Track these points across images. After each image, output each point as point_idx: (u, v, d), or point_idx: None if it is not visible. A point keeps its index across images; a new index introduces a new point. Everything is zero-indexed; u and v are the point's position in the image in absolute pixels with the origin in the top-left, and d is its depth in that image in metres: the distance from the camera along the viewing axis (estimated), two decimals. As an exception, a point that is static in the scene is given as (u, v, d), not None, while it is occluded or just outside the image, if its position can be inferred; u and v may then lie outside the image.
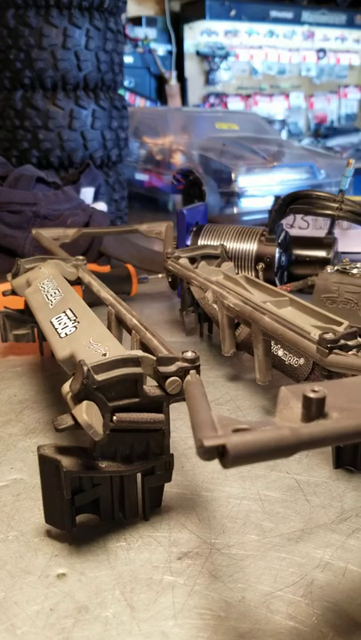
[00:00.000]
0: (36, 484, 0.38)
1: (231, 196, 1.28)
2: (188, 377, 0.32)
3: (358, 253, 0.85)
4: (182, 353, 0.33)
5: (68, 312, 0.42)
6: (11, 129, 1.13)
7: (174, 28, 2.89)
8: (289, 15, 3.11)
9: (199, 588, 0.29)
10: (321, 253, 0.79)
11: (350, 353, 0.36)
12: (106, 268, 0.80)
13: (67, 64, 1.10)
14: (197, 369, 0.32)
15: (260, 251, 0.73)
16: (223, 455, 0.19)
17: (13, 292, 0.54)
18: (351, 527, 0.33)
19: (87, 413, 0.29)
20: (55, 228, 0.77)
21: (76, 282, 0.56)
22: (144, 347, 0.38)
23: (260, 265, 0.72)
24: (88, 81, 1.14)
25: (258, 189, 1.30)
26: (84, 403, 0.30)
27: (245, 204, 1.28)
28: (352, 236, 0.87)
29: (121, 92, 1.45)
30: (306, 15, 3.16)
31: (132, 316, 0.43)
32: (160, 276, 0.81)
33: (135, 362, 0.31)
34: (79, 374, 0.30)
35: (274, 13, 3.07)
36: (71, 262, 0.57)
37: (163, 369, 0.32)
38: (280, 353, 0.47)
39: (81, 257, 0.59)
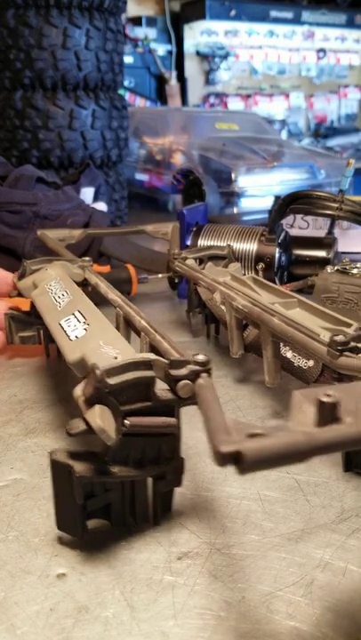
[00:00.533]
0: (36, 483, 0.38)
1: (231, 196, 1.28)
2: (200, 380, 0.31)
3: (358, 253, 0.85)
4: (193, 356, 0.32)
5: (77, 314, 0.42)
6: (11, 129, 1.12)
7: (174, 27, 2.89)
8: (289, 15, 3.11)
9: (199, 588, 0.29)
10: (321, 253, 0.79)
11: None
12: (106, 268, 0.80)
13: (67, 64, 1.10)
14: (209, 372, 0.32)
15: (261, 251, 0.73)
16: (239, 461, 0.19)
17: (19, 294, 0.54)
18: (351, 527, 0.33)
19: (101, 418, 0.29)
20: (60, 228, 0.77)
21: (83, 283, 0.56)
22: (153, 349, 0.38)
23: (260, 265, 0.72)
24: (88, 81, 1.14)
25: (258, 189, 1.30)
26: (97, 407, 0.29)
27: (245, 203, 1.28)
28: (352, 235, 0.87)
29: (121, 91, 1.45)
30: (306, 15, 3.15)
31: (141, 317, 0.42)
32: (160, 275, 0.81)
33: (147, 365, 0.31)
34: (92, 378, 0.29)
35: (274, 13, 3.06)
36: (77, 263, 0.57)
37: (174, 372, 0.32)
38: (289, 355, 0.46)
39: (87, 258, 0.59)
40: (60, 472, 0.30)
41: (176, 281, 0.66)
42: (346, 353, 0.35)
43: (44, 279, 0.52)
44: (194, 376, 0.32)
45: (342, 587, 0.29)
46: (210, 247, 0.66)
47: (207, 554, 0.31)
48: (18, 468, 0.40)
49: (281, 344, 0.45)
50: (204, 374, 0.32)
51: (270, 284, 0.51)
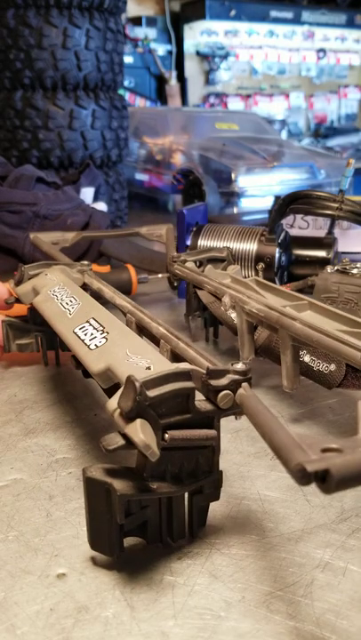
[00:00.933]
0: (36, 484, 0.38)
1: (231, 196, 1.28)
2: (242, 390, 0.30)
3: (358, 253, 0.85)
4: (231, 365, 0.31)
5: (93, 322, 0.40)
6: (11, 129, 1.13)
7: (174, 27, 2.89)
8: (289, 15, 3.11)
9: (199, 588, 0.29)
10: (321, 253, 0.79)
11: None
12: (106, 268, 0.80)
13: (67, 64, 1.10)
14: (249, 381, 0.31)
15: (261, 251, 0.73)
16: (324, 480, 0.18)
17: (17, 301, 0.52)
18: (351, 527, 0.33)
19: (143, 433, 0.27)
20: (54, 231, 0.76)
21: (82, 288, 0.53)
22: (177, 357, 0.36)
23: (260, 265, 0.72)
24: (88, 81, 1.14)
25: (258, 189, 1.30)
26: (138, 421, 0.27)
27: (245, 203, 1.28)
28: (352, 235, 0.87)
29: (121, 91, 1.45)
30: (306, 15, 3.16)
31: (159, 324, 0.40)
32: (160, 275, 0.81)
33: (187, 376, 0.29)
34: (130, 390, 0.27)
35: (274, 13, 3.07)
36: (76, 268, 0.55)
37: (214, 382, 0.30)
38: (306, 359, 0.46)
39: (86, 262, 0.56)
40: (95, 490, 0.28)
41: (175, 284, 0.66)
42: None
43: (46, 285, 0.50)
44: (235, 386, 0.30)
45: (342, 586, 0.29)
46: (209, 249, 0.65)
47: (207, 554, 0.31)
48: (18, 467, 0.40)
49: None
50: (244, 384, 0.30)
51: (273, 285, 0.51)
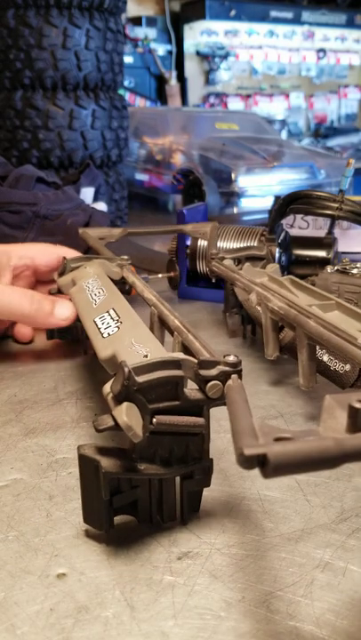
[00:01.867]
0: (36, 484, 0.38)
1: (231, 196, 1.28)
2: (230, 381, 0.31)
3: (358, 253, 0.85)
4: (224, 357, 0.32)
5: (112, 312, 0.42)
6: (11, 129, 1.13)
7: (174, 27, 2.89)
8: (289, 15, 3.11)
9: (199, 588, 0.29)
10: (321, 253, 0.79)
11: None
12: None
13: (67, 64, 1.10)
14: (239, 373, 0.32)
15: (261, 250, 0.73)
16: (264, 465, 0.18)
17: (59, 291, 0.55)
18: (351, 527, 0.33)
19: (127, 415, 0.29)
20: (101, 227, 0.77)
21: (121, 281, 0.56)
22: (186, 349, 0.38)
23: (261, 265, 0.72)
24: (88, 81, 1.14)
25: (258, 189, 1.30)
26: (125, 404, 0.29)
27: (245, 203, 1.28)
28: (352, 235, 0.87)
29: (121, 91, 1.45)
30: (306, 15, 3.16)
31: (175, 317, 0.43)
32: (160, 275, 0.81)
33: (176, 364, 0.31)
34: (120, 375, 0.29)
35: (274, 13, 3.07)
36: (116, 262, 0.58)
37: (204, 372, 0.32)
38: (325, 358, 0.46)
39: (125, 256, 0.59)
40: (87, 466, 0.30)
41: (175, 284, 0.66)
42: None
43: (83, 277, 0.53)
44: (224, 377, 0.31)
45: (342, 587, 0.29)
46: (248, 248, 0.66)
47: (207, 554, 0.31)
48: (18, 467, 0.40)
49: (318, 347, 0.44)
50: (234, 376, 0.31)
51: (307, 285, 0.50)
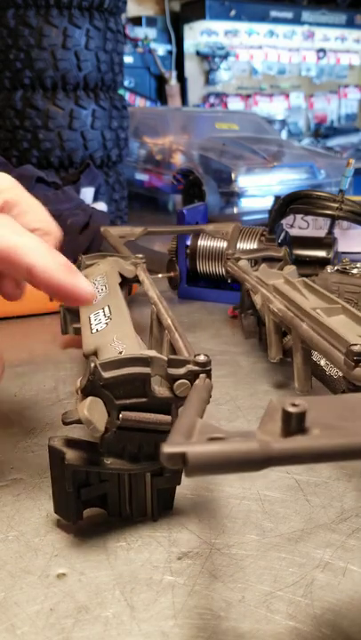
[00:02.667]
0: (36, 483, 0.38)
1: (231, 196, 1.28)
2: (198, 381, 0.32)
3: (358, 253, 0.85)
4: (195, 356, 0.33)
5: (106, 309, 0.43)
6: (11, 129, 1.12)
7: (174, 28, 2.89)
8: (289, 15, 3.11)
9: (199, 588, 0.29)
10: (321, 253, 0.79)
11: None
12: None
13: (67, 64, 1.10)
14: (208, 373, 0.32)
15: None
16: (185, 463, 0.18)
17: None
18: (351, 527, 0.33)
19: (89, 409, 0.29)
20: (122, 226, 0.77)
21: (134, 280, 0.57)
22: (171, 346, 0.39)
23: (260, 265, 0.72)
24: (88, 81, 1.14)
25: (258, 189, 1.30)
26: (88, 399, 0.30)
27: (245, 203, 1.28)
28: (352, 235, 0.87)
29: (121, 91, 1.45)
30: (306, 15, 3.15)
31: (168, 316, 0.43)
32: (160, 275, 0.81)
33: (145, 362, 0.31)
34: (87, 370, 0.30)
35: (274, 13, 3.06)
36: (130, 260, 0.58)
37: (172, 371, 0.32)
38: (323, 362, 0.45)
39: (140, 255, 0.60)
40: (55, 458, 0.31)
41: (176, 285, 0.66)
42: None
43: (93, 274, 0.53)
44: (192, 376, 0.32)
45: (342, 586, 0.29)
46: (265, 249, 0.65)
47: (207, 554, 0.31)
48: (18, 467, 0.40)
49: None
50: (202, 375, 0.32)
51: (319, 288, 0.49)
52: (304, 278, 0.52)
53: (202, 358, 0.32)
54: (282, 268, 0.60)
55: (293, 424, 0.19)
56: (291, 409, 0.19)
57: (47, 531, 0.33)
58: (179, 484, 0.34)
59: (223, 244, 0.77)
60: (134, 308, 0.45)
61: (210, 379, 0.32)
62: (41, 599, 0.28)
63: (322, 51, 3.30)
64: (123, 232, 0.74)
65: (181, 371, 0.32)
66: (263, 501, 0.36)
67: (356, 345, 0.34)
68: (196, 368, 0.32)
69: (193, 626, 0.27)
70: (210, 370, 0.32)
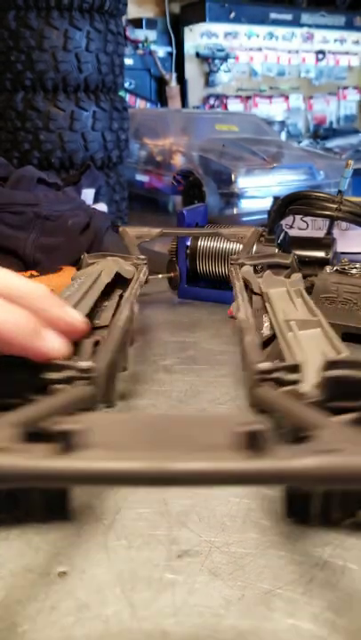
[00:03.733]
0: (37, 483, 0.38)
1: (231, 197, 1.29)
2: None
3: (357, 253, 0.85)
4: (77, 362, 0.32)
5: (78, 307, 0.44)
6: (12, 130, 1.13)
7: (174, 30, 2.89)
8: (288, 17, 3.12)
9: (199, 586, 0.29)
10: (320, 254, 0.79)
11: (286, 388, 0.30)
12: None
13: (67, 66, 1.10)
14: (90, 380, 0.31)
15: (260, 251, 0.73)
16: None
17: None
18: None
19: None
20: (139, 227, 0.77)
21: (131, 280, 0.58)
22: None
23: (260, 265, 0.73)
24: (89, 83, 1.14)
25: (258, 190, 1.30)
26: None
27: (245, 204, 1.29)
28: (351, 236, 0.87)
29: (121, 93, 1.46)
30: (305, 17, 3.16)
31: (119, 319, 0.43)
32: (160, 276, 0.81)
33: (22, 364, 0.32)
34: None
35: (273, 15, 3.07)
36: (132, 261, 0.59)
37: (49, 375, 0.32)
38: None
39: (142, 256, 0.60)
40: None
41: (176, 285, 0.66)
42: (267, 383, 0.30)
43: (86, 273, 0.54)
44: (70, 382, 0.31)
45: (341, 585, 0.29)
46: (272, 255, 0.64)
47: (207, 552, 0.31)
48: (18, 467, 0.40)
49: None
50: (79, 382, 0.31)
51: (308, 299, 0.48)
52: (302, 288, 0.51)
53: (83, 364, 0.31)
54: (289, 275, 0.58)
55: (62, 441, 0.19)
56: (55, 427, 0.20)
57: (48, 529, 0.33)
58: None
59: (223, 245, 0.77)
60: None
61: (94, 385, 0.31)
62: (42, 597, 0.29)
63: (321, 52, 3.31)
64: (140, 233, 0.74)
65: (58, 375, 0.31)
66: (263, 500, 0.36)
67: (268, 362, 0.31)
68: (75, 374, 0.31)
69: (193, 624, 0.27)
70: (91, 377, 0.31)
